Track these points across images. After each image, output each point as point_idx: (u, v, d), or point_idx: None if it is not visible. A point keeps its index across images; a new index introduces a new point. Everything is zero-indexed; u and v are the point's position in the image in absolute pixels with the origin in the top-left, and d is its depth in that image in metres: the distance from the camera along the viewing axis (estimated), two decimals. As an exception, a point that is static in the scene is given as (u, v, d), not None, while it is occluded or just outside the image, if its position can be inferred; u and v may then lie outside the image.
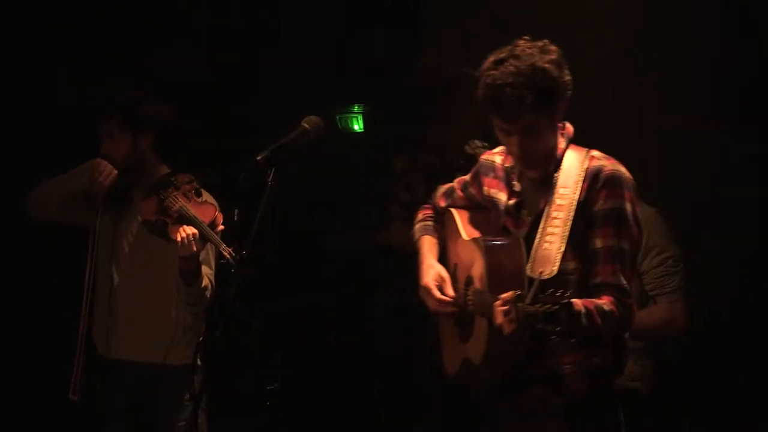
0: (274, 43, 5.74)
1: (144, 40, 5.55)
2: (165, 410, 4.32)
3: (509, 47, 3.14)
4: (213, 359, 3.07)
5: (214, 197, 4.45)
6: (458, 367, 3.33)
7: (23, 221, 4.56)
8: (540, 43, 3.15)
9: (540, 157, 3.21)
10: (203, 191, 4.41)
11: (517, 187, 3.29)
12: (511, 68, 3.09)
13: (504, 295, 2.97)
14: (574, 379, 3.20)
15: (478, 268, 3.21)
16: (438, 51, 5.58)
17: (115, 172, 4.34)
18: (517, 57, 3.11)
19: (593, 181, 3.17)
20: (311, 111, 3.30)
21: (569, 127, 3.29)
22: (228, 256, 3.92)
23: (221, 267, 4.25)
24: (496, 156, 3.40)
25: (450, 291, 3.33)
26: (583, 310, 3.02)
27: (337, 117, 5.98)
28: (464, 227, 3.41)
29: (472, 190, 3.48)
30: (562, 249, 3.09)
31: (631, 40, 5.17)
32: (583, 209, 3.16)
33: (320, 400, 5.48)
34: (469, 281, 3.30)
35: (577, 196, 3.16)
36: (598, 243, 3.15)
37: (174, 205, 4.25)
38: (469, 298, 3.27)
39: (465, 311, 3.29)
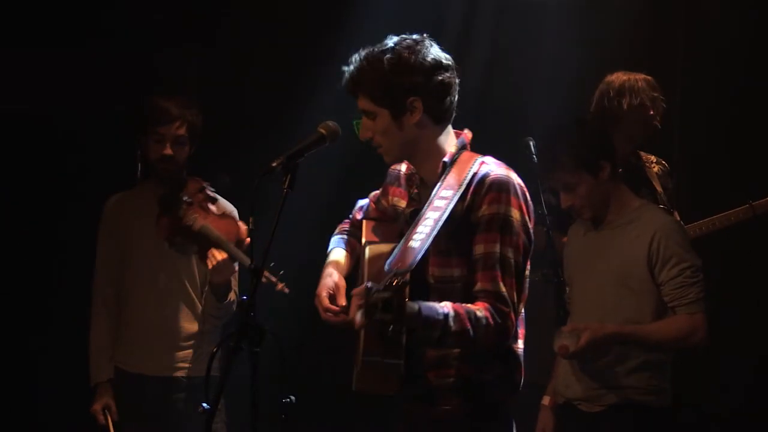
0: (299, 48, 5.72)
1: (154, 41, 5.54)
2: (188, 422, 4.28)
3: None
4: (230, 370, 3.01)
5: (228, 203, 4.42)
6: (354, 380, 3.19)
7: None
8: (413, 43, 3.12)
9: (391, 151, 3.18)
10: (217, 196, 4.36)
11: (414, 194, 3.25)
12: (365, 53, 3.13)
13: (356, 290, 2.94)
14: (456, 393, 3.13)
15: (364, 273, 3.17)
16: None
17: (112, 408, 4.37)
18: (379, 46, 3.13)
19: (478, 185, 3.11)
20: (329, 116, 3.25)
21: (467, 134, 3.24)
22: (266, 279, 3.92)
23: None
24: (403, 165, 3.35)
25: (341, 300, 3.23)
26: (451, 312, 2.97)
27: (354, 123, 5.92)
28: (367, 237, 3.35)
29: (384, 202, 3.42)
30: (426, 247, 2.98)
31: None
32: (468, 215, 3.10)
33: (337, 412, 5.42)
34: None
35: (457, 198, 3.08)
36: (479, 249, 3.08)
37: (194, 223, 4.18)
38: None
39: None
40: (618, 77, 4.65)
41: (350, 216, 3.55)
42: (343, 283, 3.28)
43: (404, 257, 2.95)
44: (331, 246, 3.45)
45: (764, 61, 5.36)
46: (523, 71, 5.74)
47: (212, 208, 4.30)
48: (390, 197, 3.37)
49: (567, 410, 4.04)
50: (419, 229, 3.03)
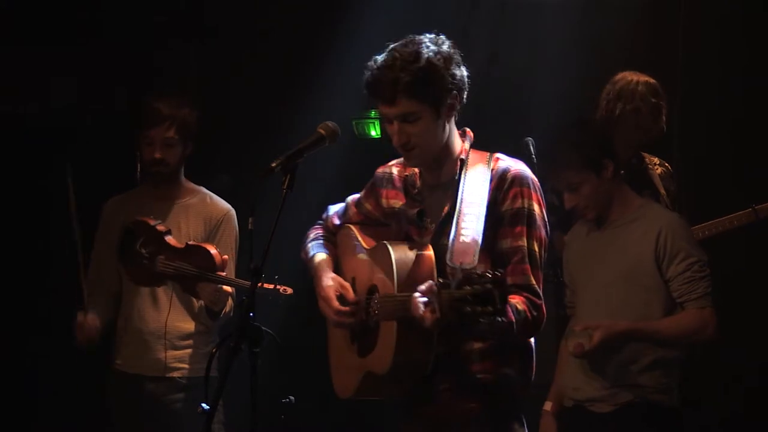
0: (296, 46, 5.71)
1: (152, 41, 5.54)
2: (187, 423, 4.26)
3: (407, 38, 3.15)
4: (229, 371, 3.01)
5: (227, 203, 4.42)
6: (357, 384, 3.22)
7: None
8: (436, 38, 3.13)
9: (428, 152, 3.16)
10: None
11: (416, 194, 3.25)
12: (396, 53, 3.09)
13: (423, 287, 2.91)
14: (481, 389, 3.14)
15: (384, 273, 3.15)
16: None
17: (97, 325, 4.25)
18: (405, 45, 3.10)
19: (500, 181, 3.15)
20: (328, 116, 3.24)
21: (470, 132, 3.27)
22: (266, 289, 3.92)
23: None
24: (393, 168, 3.36)
25: (351, 297, 3.24)
26: None
27: (354, 122, 5.93)
28: (364, 240, 3.35)
29: (368, 206, 3.43)
30: (479, 242, 3.03)
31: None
32: (492, 210, 3.12)
33: (336, 412, 5.41)
34: (372, 290, 3.22)
35: (486, 195, 3.11)
36: (507, 243, 3.12)
37: (168, 269, 4.14)
38: (374, 305, 3.18)
39: (367, 322, 3.20)
40: (621, 79, 4.65)
41: (321, 221, 3.53)
42: (346, 283, 3.28)
43: (464, 253, 2.99)
44: (311, 251, 3.44)
45: (765, 61, 5.36)
46: (523, 71, 5.74)
47: (171, 242, 4.21)
48: (384, 200, 3.36)
49: (576, 413, 4.03)
50: (463, 225, 3.06)
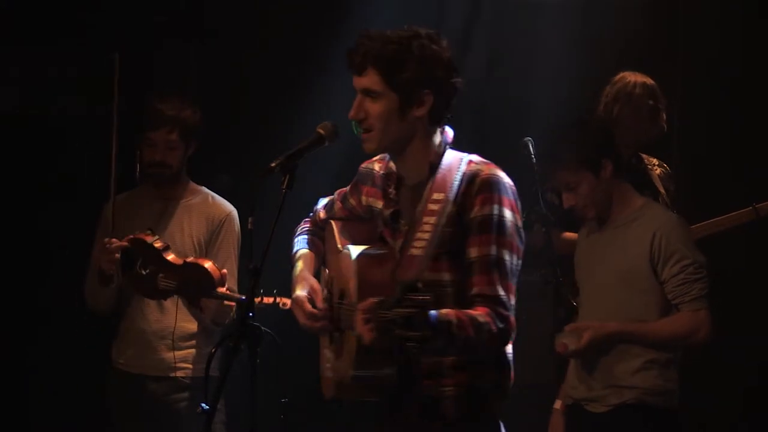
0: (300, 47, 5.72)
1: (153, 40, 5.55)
2: (190, 423, 4.26)
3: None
4: (229, 370, 3.01)
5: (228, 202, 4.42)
6: (333, 387, 3.17)
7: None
8: (435, 35, 3.02)
9: (384, 139, 3.03)
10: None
11: (392, 194, 3.14)
12: (387, 32, 3.01)
13: (364, 303, 2.81)
14: (453, 402, 3.03)
15: (349, 280, 3.07)
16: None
17: (123, 244, 4.17)
18: (401, 30, 3.02)
19: (468, 185, 2.99)
20: (328, 116, 3.24)
21: (449, 133, 3.13)
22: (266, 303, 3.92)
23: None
24: (375, 164, 3.24)
25: (320, 304, 3.17)
26: (454, 320, 2.86)
27: (354, 122, 5.92)
28: (340, 239, 3.26)
29: (352, 201, 3.31)
30: (429, 253, 2.92)
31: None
32: (460, 217, 2.99)
33: (336, 412, 5.41)
34: (343, 294, 3.15)
35: (451, 200, 2.98)
36: (474, 252, 2.96)
37: (169, 287, 4.14)
38: (342, 312, 3.12)
39: (338, 327, 3.15)
40: (620, 80, 4.66)
41: (311, 214, 3.46)
42: (318, 287, 3.22)
43: (408, 267, 2.90)
44: (296, 247, 3.38)
45: (765, 61, 5.36)
46: (523, 71, 5.74)
47: (170, 258, 4.19)
48: (364, 197, 3.26)
49: (575, 411, 4.03)
50: (418, 235, 2.96)
